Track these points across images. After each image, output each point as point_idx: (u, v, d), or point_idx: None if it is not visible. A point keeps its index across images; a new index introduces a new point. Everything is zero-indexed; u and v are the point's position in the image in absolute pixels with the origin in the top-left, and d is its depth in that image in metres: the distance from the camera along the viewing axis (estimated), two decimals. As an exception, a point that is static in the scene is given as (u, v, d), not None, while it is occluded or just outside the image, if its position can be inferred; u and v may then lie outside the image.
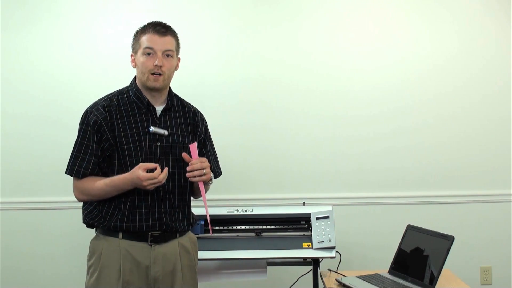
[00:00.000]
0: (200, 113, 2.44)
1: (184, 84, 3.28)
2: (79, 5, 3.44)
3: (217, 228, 2.92)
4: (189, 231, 2.37)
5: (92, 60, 3.44)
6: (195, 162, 2.18)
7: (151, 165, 2.14)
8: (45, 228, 3.43)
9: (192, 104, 2.46)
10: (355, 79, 3.51)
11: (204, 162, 2.21)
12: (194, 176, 2.18)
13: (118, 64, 3.28)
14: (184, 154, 2.20)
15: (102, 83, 3.33)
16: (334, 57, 3.51)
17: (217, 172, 2.47)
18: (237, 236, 2.93)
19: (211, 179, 2.30)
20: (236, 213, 2.94)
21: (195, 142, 2.23)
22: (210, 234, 2.40)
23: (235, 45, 3.49)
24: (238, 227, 2.95)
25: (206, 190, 2.37)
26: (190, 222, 2.34)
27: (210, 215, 2.34)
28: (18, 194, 3.43)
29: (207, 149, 2.43)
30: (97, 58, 3.43)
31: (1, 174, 3.42)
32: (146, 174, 2.11)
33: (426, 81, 3.52)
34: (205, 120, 2.45)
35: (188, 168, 2.18)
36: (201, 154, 2.38)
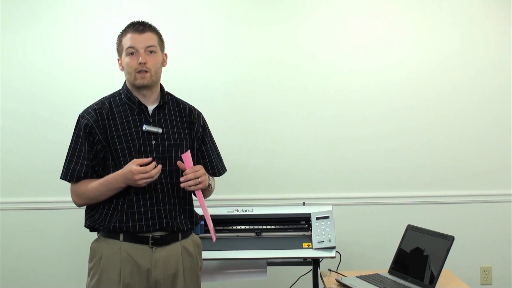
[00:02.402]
0: (197, 110, 2.41)
1: (184, 85, 3.31)
2: (79, 5, 3.44)
3: (217, 228, 2.90)
4: (193, 234, 2.34)
5: (92, 60, 3.43)
6: (189, 171, 2.15)
7: (145, 160, 2.11)
8: (45, 228, 3.43)
9: (191, 103, 2.43)
10: (355, 79, 3.51)
11: (199, 170, 2.18)
12: (190, 186, 2.16)
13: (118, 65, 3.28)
14: (178, 163, 2.18)
15: (102, 83, 3.33)
16: (334, 57, 3.50)
17: (221, 169, 2.43)
18: (237, 236, 2.93)
19: (210, 184, 2.28)
20: (236, 213, 2.94)
21: (188, 151, 2.20)
22: (214, 241, 2.36)
23: (234, 46, 3.48)
24: (238, 227, 2.95)
25: (210, 194, 2.36)
26: (193, 220, 2.31)
27: (210, 215, 2.31)
28: (18, 194, 3.43)
29: (206, 146, 2.40)
30: (98, 58, 3.43)
31: (1, 174, 3.42)
32: (138, 168, 2.09)
33: (426, 81, 3.52)
34: (202, 117, 2.42)
35: (181, 179, 2.15)
36: (200, 152, 2.37)
